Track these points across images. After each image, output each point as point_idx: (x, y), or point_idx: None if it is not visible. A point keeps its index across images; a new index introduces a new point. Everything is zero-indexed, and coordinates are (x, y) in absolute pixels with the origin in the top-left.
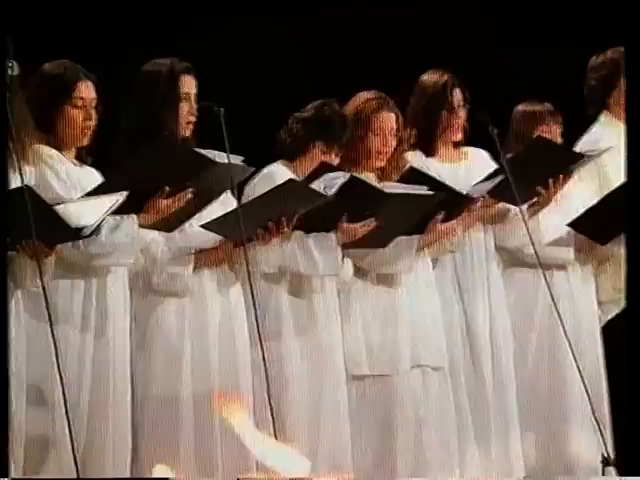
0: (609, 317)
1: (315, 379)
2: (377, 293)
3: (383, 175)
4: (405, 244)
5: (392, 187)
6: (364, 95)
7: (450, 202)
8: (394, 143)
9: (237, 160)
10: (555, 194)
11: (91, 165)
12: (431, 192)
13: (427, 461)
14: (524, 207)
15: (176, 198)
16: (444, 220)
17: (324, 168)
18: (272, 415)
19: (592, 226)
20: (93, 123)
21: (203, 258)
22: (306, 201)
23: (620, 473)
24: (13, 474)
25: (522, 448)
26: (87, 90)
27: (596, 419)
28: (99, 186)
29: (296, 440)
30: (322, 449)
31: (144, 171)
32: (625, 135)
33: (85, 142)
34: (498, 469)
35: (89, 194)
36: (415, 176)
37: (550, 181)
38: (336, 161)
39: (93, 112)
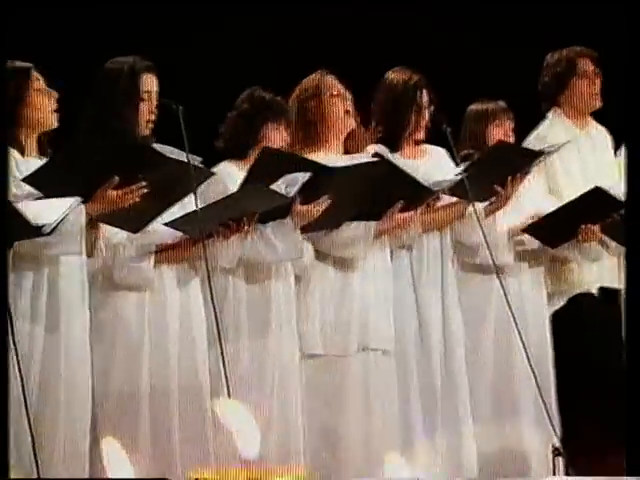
0: (555, 308)
1: (271, 368)
2: (334, 277)
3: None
4: (362, 229)
5: (337, 161)
6: (314, 76)
7: (409, 193)
8: (351, 123)
9: (195, 161)
10: (512, 193)
11: None
12: (374, 159)
13: (374, 442)
14: (479, 205)
15: (127, 190)
16: (402, 210)
17: (265, 154)
18: None
19: (545, 231)
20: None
21: (164, 253)
22: (267, 202)
23: (569, 462)
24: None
25: (472, 437)
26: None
27: (546, 410)
28: (42, 167)
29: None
30: (274, 432)
31: (90, 157)
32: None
33: (49, 125)
34: (446, 456)
35: (31, 175)
36: (378, 162)
37: (508, 180)
38: (287, 139)
39: (54, 99)
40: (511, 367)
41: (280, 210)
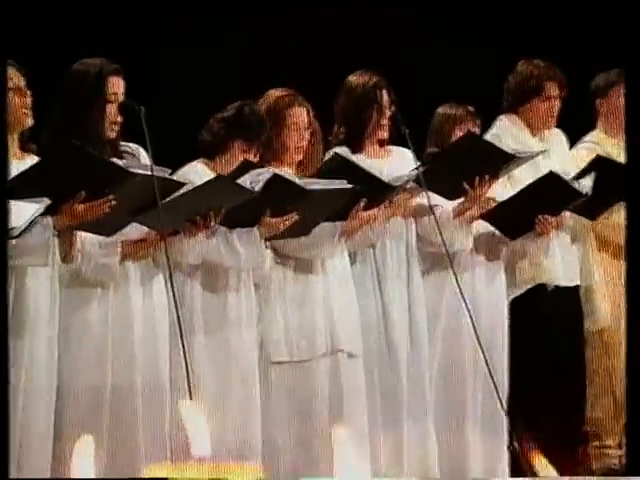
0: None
1: (231, 370)
2: (296, 282)
3: (304, 170)
4: (327, 230)
5: (313, 183)
6: (275, 93)
7: (372, 190)
8: (308, 136)
9: (164, 173)
10: (482, 193)
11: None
12: (350, 186)
13: (342, 447)
14: (444, 202)
15: (95, 204)
16: (366, 208)
17: (245, 165)
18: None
19: (503, 220)
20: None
21: (129, 249)
22: (233, 197)
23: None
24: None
25: (434, 437)
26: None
27: (503, 407)
28: (12, 179)
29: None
30: (232, 437)
31: (56, 173)
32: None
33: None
34: (410, 459)
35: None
36: (338, 162)
37: (477, 180)
38: (256, 159)
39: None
40: (469, 362)
41: (248, 218)
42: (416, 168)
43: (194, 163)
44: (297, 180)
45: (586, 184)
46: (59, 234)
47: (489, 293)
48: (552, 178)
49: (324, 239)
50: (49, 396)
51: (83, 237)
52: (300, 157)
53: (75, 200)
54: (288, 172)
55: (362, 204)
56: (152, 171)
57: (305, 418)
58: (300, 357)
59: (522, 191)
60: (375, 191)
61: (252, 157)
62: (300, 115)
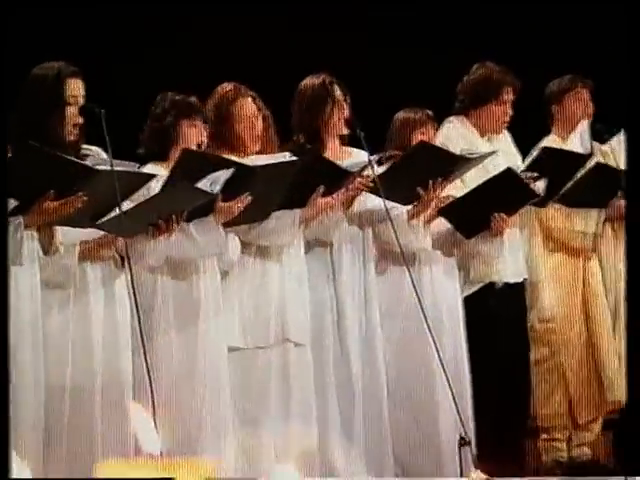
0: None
1: (195, 365)
2: (253, 272)
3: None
4: (287, 217)
5: (257, 160)
6: (219, 90)
7: (330, 177)
8: (261, 123)
9: (134, 167)
10: (434, 196)
11: None
12: (295, 158)
13: (293, 433)
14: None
15: (64, 202)
16: (324, 195)
17: (185, 155)
18: (152, 401)
19: (460, 217)
20: None
21: (88, 249)
22: (193, 200)
23: (483, 454)
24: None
25: (389, 428)
26: None
27: (455, 402)
28: None
29: (175, 420)
30: (203, 425)
31: (24, 173)
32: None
33: None
34: (363, 448)
35: None
36: (297, 150)
37: (430, 183)
38: (205, 137)
39: None
40: (427, 358)
41: (203, 207)
42: (372, 158)
43: (147, 166)
44: (243, 161)
45: (540, 185)
46: (38, 229)
47: (447, 291)
48: (509, 175)
49: (284, 226)
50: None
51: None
52: (258, 146)
53: (45, 199)
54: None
55: (320, 191)
56: (112, 166)
57: (257, 405)
58: (254, 344)
59: (479, 187)
60: (332, 178)
61: (201, 134)
62: (246, 105)
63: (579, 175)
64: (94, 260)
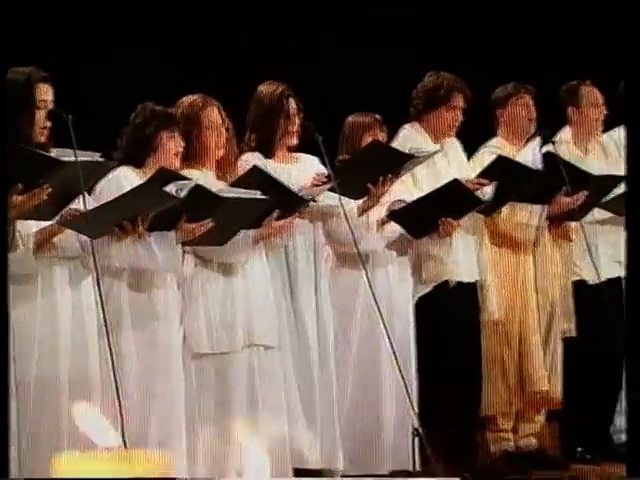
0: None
1: (157, 364)
2: (217, 279)
3: (223, 173)
4: (242, 237)
5: (229, 191)
6: (187, 98)
7: (286, 202)
8: (226, 133)
9: (96, 156)
10: (384, 192)
11: None
12: (264, 197)
13: (260, 436)
14: (352, 204)
15: (31, 194)
16: (278, 218)
17: (161, 172)
18: (118, 400)
19: (409, 220)
20: None
21: (45, 241)
22: (160, 202)
23: (434, 445)
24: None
25: (344, 427)
26: None
27: (408, 395)
28: None
29: (139, 422)
30: (155, 431)
31: None
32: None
33: None
34: (322, 447)
35: None
36: (256, 174)
37: (380, 180)
38: (181, 147)
39: None
40: (378, 354)
41: (167, 222)
42: (327, 176)
43: (121, 168)
44: (213, 189)
45: (487, 190)
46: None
47: (401, 292)
48: (455, 185)
49: (238, 246)
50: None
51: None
52: (222, 152)
53: (12, 192)
54: (210, 173)
55: (275, 215)
56: (76, 157)
57: (225, 408)
58: (220, 349)
59: (427, 195)
60: (288, 203)
61: (179, 145)
62: (213, 114)
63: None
64: (61, 259)
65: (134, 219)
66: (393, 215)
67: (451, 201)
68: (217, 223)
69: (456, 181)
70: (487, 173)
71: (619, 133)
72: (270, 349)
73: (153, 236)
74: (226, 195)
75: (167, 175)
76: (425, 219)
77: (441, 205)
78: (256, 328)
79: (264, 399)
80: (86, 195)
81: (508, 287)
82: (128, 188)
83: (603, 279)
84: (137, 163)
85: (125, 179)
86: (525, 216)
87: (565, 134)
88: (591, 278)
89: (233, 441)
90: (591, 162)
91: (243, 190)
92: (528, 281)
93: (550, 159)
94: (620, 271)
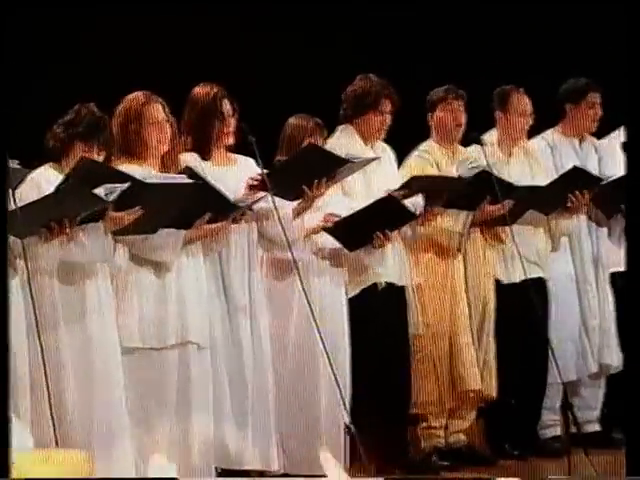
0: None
1: (91, 359)
2: (151, 275)
3: (166, 170)
4: (173, 236)
5: (153, 177)
6: (130, 96)
7: (218, 207)
8: (169, 130)
9: (13, 164)
10: (318, 194)
11: None
12: (188, 180)
13: (190, 434)
14: (287, 207)
15: None
16: (211, 221)
17: (84, 162)
18: (49, 399)
19: (344, 234)
20: None
21: None
22: (86, 205)
23: (367, 442)
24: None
25: (281, 427)
26: None
27: (341, 394)
28: None
29: (73, 421)
30: (97, 425)
31: None
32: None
33: None
34: (257, 448)
35: None
36: (190, 175)
37: (315, 182)
38: (100, 157)
39: None
40: (313, 354)
41: (94, 214)
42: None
43: (42, 168)
44: (137, 175)
45: (417, 201)
46: None
47: (334, 294)
48: (389, 200)
49: (167, 244)
50: None
51: None
52: (165, 148)
53: None
54: (151, 169)
55: (207, 218)
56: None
57: (156, 404)
58: (151, 345)
59: (362, 210)
60: (221, 208)
61: (95, 156)
62: (157, 111)
63: (455, 176)
64: None
65: (61, 220)
66: (328, 230)
67: (385, 215)
68: (145, 210)
69: (389, 196)
70: (405, 188)
71: (552, 136)
72: (202, 349)
73: (82, 228)
74: (150, 181)
75: (89, 164)
76: (359, 232)
77: (375, 219)
78: (188, 326)
79: (194, 398)
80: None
81: (437, 290)
82: (45, 186)
83: (521, 279)
84: (57, 160)
85: (46, 180)
86: (450, 222)
87: (491, 136)
88: (509, 278)
89: (160, 439)
90: (513, 166)
91: (170, 175)
92: (458, 283)
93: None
94: (539, 272)
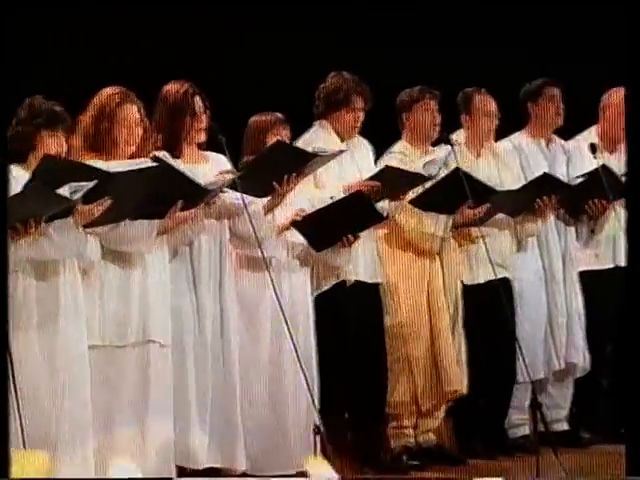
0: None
1: (55, 362)
2: (114, 272)
3: None
4: (146, 226)
5: (116, 166)
6: (107, 90)
7: (188, 193)
8: (140, 132)
9: None
10: (288, 190)
11: None
12: (153, 164)
13: (150, 433)
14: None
15: None
16: (183, 209)
17: (47, 162)
18: (16, 397)
19: (312, 231)
20: None
21: None
22: (52, 205)
23: (335, 441)
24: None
25: (248, 426)
26: None
27: (311, 393)
28: None
29: (35, 416)
30: (63, 422)
31: None
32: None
33: None
34: (218, 448)
35: None
36: (155, 159)
37: (285, 178)
38: (65, 147)
39: None
40: (283, 353)
41: (63, 209)
42: (228, 171)
43: (11, 167)
44: (101, 165)
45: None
46: None
47: (304, 292)
48: (358, 198)
49: (140, 235)
50: None
51: None
52: (133, 149)
53: None
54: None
55: (179, 205)
56: None
57: (115, 403)
58: (111, 342)
59: (330, 206)
60: (192, 194)
61: (61, 145)
62: (130, 111)
63: (434, 181)
64: None
65: (26, 220)
66: (296, 225)
67: (354, 215)
68: (114, 200)
69: (359, 194)
70: (375, 178)
71: (519, 138)
72: (165, 347)
73: (51, 224)
74: (114, 170)
75: (52, 162)
76: (327, 231)
77: (343, 218)
78: (151, 324)
79: (154, 397)
80: None
81: (414, 290)
82: (16, 188)
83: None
84: (20, 160)
85: (13, 179)
86: (431, 226)
87: (459, 136)
88: (474, 279)
89: (121, 437)
90: (482, 166)
91: (134, 161)
92: (436, 284)
93: (456, 173)
94: (504, 272)
